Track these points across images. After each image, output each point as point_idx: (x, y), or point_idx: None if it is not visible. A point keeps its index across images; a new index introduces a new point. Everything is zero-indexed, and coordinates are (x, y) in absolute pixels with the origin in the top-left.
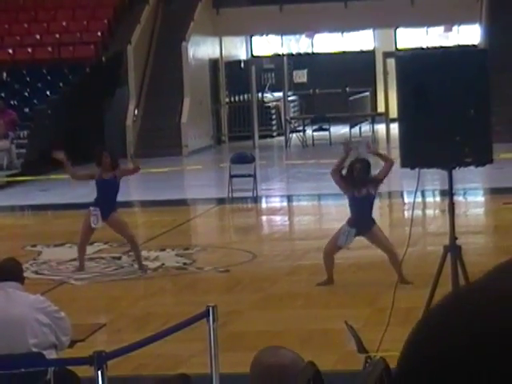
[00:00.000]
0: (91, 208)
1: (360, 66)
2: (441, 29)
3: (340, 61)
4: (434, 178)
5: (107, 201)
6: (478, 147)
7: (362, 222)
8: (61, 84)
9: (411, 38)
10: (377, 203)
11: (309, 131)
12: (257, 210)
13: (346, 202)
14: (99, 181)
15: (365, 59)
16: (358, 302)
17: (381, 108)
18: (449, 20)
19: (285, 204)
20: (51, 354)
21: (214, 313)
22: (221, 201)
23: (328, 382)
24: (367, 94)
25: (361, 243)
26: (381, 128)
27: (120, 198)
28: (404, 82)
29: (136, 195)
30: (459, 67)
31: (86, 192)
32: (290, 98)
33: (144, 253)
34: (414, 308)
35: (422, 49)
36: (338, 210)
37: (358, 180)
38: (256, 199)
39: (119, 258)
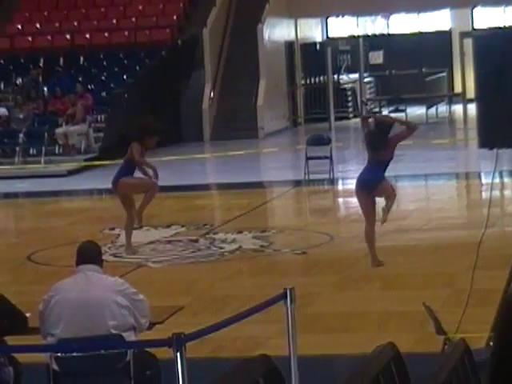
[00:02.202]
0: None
1: (436, 47)
2: None
3: (416, 41)
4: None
5: None
6: None
7: (371, 181)
8: (137, 68)
9: (488, 17)
10: (453, 184)
11: (385, 112)
12: (333, 192)
13: (422, 182)
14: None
15: (441, 39)
16: (436, 283)
17: (458, 88)
18: None
19: None
20: (130, 336)
21: (291, 295)
22: (297, 183)
23: (407, 363)
24: (444, 74)
25: (436, 223)
26: (458, 109)
27: (197, 180)
28: (481, 62)
29: (213, 178)
30: None
31: (163, 175)
32: (365, 80)
33: (221, 235)
34: (493, 290)
35: (500, 28)
36: (414, 191)
37: (374, 142)
38: (332, 181)
39: (196, 241)
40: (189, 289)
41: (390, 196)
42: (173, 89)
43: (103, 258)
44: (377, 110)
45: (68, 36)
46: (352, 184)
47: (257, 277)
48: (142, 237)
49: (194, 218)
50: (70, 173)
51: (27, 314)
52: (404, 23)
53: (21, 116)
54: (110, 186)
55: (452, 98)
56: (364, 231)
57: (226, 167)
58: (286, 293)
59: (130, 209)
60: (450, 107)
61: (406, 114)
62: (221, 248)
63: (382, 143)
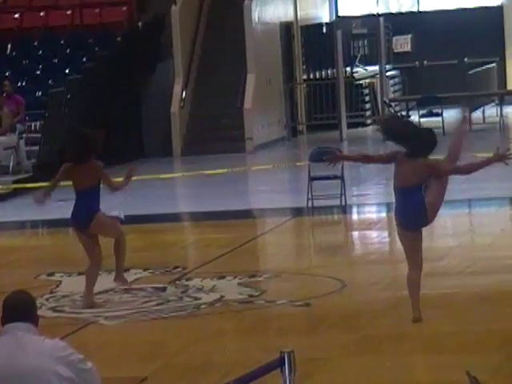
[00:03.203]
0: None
1: (483, 29)
2: None
3: (456, 22)
4: None
5: None
6: None
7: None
8: (84, 59)
9: None
10: (507, 212)
11: (415, 117)
12: (346, 224)
13: (465, 210)
14: None
15: (490, 18)
16: (483, 345)
17: None
18: None
19: (383, 215)
20: None
21: (290, 361)
22: (298, 211)
23: None
24: (493, 65)
25: (483, 266)
26: None
27: (164, 209)
28: None
29: (185, 205)
30: None
31: (119, 202)
32: (388, 74)
33: (197, 282)
34: None
35: None
36: (455, 222)
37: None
38: (345, 209)
39: (164, 290)
40: (154, 354)
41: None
42: (132, 87)
43: (39, 313)
44: (404, 113)
45: None
46: (370, 212)
47: (244, 337)
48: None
49: (161, 258)
50: None
51: None
52: None
53: None
54: (47, 216)
55: (504, 96)
56: (406, 277)
57: (203, 191)
58: (284, 358)
59: (95, 249)
60: (501, 109)
61: (443, 119)
62: (196, 299)
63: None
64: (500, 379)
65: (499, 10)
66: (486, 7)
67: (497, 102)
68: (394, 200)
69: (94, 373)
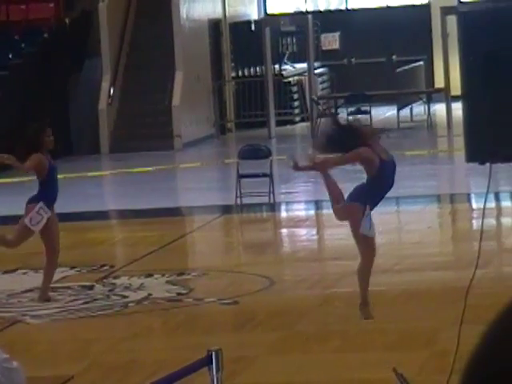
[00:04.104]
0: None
1: (411, 26)
2: None
3: (384, 20)
4: (510, 175)
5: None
6: None
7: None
8: (10, 56)
9: None
10: (434, 210)
11: (343, 114)
12: (274, 221)
13: (392, 208)
14: (53, 167)
15: (417, 17)
16: (410, 342)
17: (439, 83)
18: None
19: (312, 212)
20: None
21: (218, 359)
22: (226, 209)
23: None
24: (421, 63)
25: (410, 264)
26: (439, 109)
27: (91, 206)
28: (470, 48)
29: (113, 203)
30: None
31: None
32: (317, 71)
33: (124, 280)
34: None
35: (494, 2)
36: (382, 220)
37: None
38: (273, 206)
39: (91, 288)
40: (80, 352)
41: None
42: (59, 84)
43: None
44: (332, 111)
45: None
46: (298, 210)
47: (172, 335)
48: (17, 283)
49: (88, 256)
50: None
51: None
52: None
53: None
54: None
55: (432, 94)
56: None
57: (131, 189)
58: (211, 356)
59: (54, 242)
60: (428, 107)
61: (371, 117)
62: (124, 297)
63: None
64: (426, 376)
65: (426, 8)
66: (413, 5)
67: (424, 100)
68: (321, 197)
69: (19, 372)
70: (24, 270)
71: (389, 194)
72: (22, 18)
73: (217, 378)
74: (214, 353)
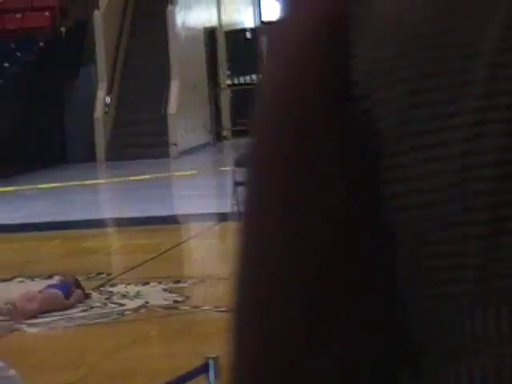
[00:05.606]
0: None
1: None
2: None
3: None
4: None
5: None
6: None
7: None
8: (6, 64)
9: None
10: None
11: None
12: None
13: None
14: None
15: None
16: None
17: None
18: None
19: None
20: None
21: (215, 367)
22: (223, 216)
23: None
24: None
25: None
26: None
27: (88, 214)
28: None
29: (109, 211)
30: None
31: (42, 208)
32: None
33: (121, 288)
34: None
35: None
36: None
37: None
38: None
39: (87, 296)
40: (78, 361)
41: None
42: (54, 92)
43: None
44: None
45: None
46: None
47: (169, 343)
48: (13, 291)
49: (84, 265)
50: None
51: None
52: None
53: None
54: None
55: None
56: None
57: (127, 197)
58: (208, 364)
59: None
60: None
61: None
62: (121, 305)
63: None
64: None
65: None
66: None
67: None
68: None
69: (17, 380)
70: (21, 278)
71: None
72: (18, 27)
73: None
74: (211, 360)
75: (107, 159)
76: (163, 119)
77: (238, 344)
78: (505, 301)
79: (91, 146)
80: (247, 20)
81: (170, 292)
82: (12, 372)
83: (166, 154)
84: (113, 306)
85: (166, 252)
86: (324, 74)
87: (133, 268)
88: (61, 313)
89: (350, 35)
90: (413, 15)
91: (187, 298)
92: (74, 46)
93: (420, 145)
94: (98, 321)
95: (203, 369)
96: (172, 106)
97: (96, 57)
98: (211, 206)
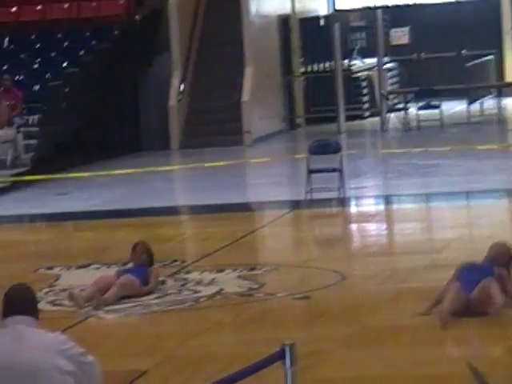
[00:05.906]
0: None
1: (481, 21)
2: None
3: (454, 14)
4: None
5: None
6: None
7: None
8: (81, 52)
9: None
10: (505, 204)
11: (413, 109)
12: (344, 216)
13: (463, 202)
14: None
15: (487, 10)
16: (484, 336)
17: (510, 76)
18: None
19: (382, 207)
20: None
21: (291, 354)
22: (296, 204)
23: None
24: (491, 57)
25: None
26: (510, 103)
27: (162, 202)
28: None
29: (183, 198)
30: None
31: (117, 195)
32: (386, 66)
33: (196, 275)
34: None
35: None
36: (453, 214)
37: None
38: (343, 201)
39: (163, 283)
40: (153, 347)
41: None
42: (129, 80)
43: (39, 306)
44: (401, 105)
45: None
46: (368, 205)
47: (244, 330)
48: (90, 278)
49: (159, 252)
50: None
51: None
52: None
53: None
54: (45, 209)
55: (502, 88)
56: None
57: (201, 184)
58: (284, 351)
59: None
60: (499, 101)
61: (442, 112)
62: (195, 292)
63: None
64: (502, 371)
65: (496, 2)
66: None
67: (495, 94)
68: (392, 192)
69: (95, 366)
70: (97, 265)
71: (460, 188)
72: (93, 15)
73: (291, 373)
74: (287, 347)
75: (181, 147)
76: (237, 107)
77: None
78: None
79: (165, 134)
80: (321, 7)
81: (244, 279)
82: (90, 358)
83: (240, 142)
84: (188, 292)
85: (239, 239)
86: None
87: (207, 255)
88: (136, 299)
89: None
90: None
91: (262, 285)
92: (149, 35)
93: None
94: (173, 308)
95: (279, 356)
96: (246, 94)
97: (170, 45)
98: (285, 194)
